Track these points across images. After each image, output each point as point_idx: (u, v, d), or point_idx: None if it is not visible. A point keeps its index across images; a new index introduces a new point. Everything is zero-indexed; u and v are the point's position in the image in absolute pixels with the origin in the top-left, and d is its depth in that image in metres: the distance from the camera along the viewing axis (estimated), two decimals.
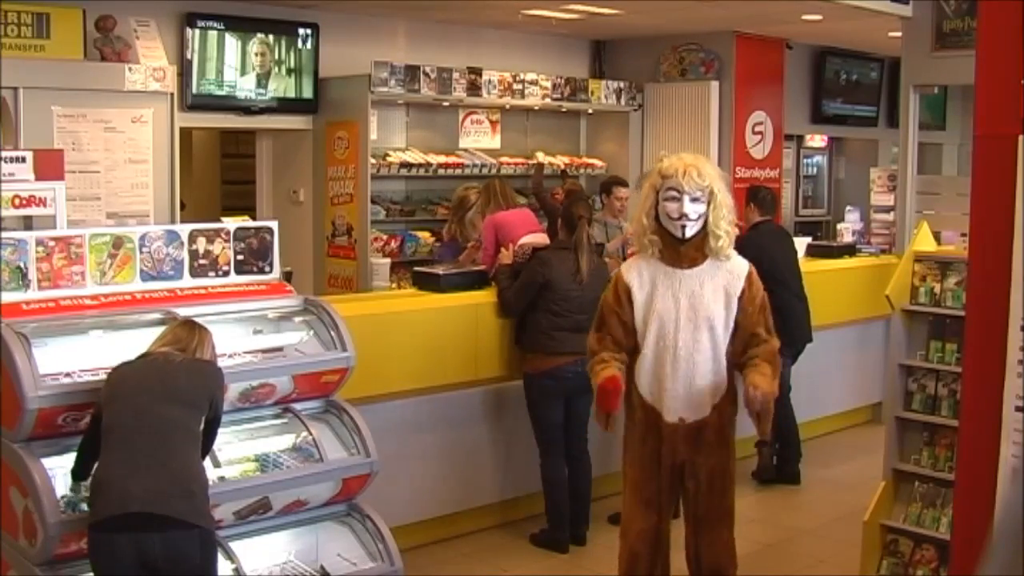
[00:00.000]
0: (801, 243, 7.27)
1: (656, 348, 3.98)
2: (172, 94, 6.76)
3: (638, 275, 4.05)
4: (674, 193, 3.95)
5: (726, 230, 3.99)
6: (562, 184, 8.44)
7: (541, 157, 8.83)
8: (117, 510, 3.39)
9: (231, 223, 4.57)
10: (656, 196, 4.00)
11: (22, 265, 4.03)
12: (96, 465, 3.53)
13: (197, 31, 7.31)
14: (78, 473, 3.69)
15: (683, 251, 4.00)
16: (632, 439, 4.13)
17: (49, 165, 5.10)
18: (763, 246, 6.27)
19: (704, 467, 4.01)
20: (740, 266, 4.07)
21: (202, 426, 3.63)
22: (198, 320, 3.90)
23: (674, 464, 4.03)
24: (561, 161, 9.16)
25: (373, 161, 7.80)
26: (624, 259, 6.21)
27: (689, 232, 3.96)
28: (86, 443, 3.66)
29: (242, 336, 4.43)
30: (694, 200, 3.94)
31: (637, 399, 4.06)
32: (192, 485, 3.50)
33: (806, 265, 6.83)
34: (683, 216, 3.94)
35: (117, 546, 3.38)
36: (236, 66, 7.54)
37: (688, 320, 3.95)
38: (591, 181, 9.30)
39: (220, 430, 3.87)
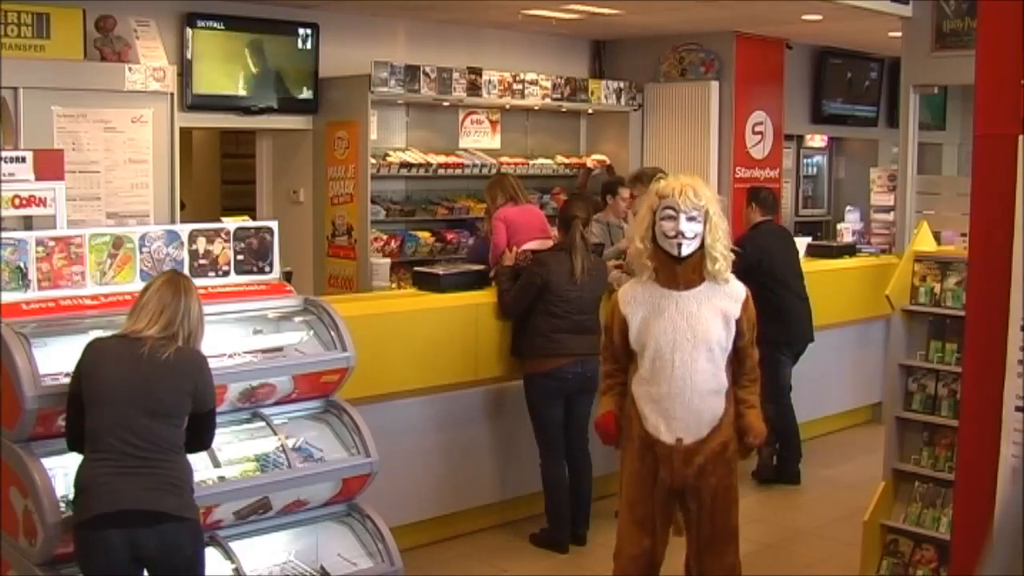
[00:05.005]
0: (801, 243, 7.27)
1: (652, 368, 3.97)
2: (172, 94, 6.75)
3: (633, 299, 4.06)
4: (671, 212, 3.95)
5: (722, 252, 3.99)
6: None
7: (590, 163, 8.98)
8: (109, 507, 3.39)
9: (231, 223, 4.57)
10: (653, 217, 4.00)
11: (22, 265, 4.02)
12: (81, 467, 3.51)
13: (197, 31, 7.31)
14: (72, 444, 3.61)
15: (680, 272, 3.99)
16: (630, 454, 4.08)
17: (49, 165, 5.10)
18: (764, 246, 6.28)
19: (705, 487, 3.97)
20: (738, 291, 4.07)
21: (185, 423, 3.57)
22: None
23: (672, 486, 3.99)
24: (604, 161, 9.33)
25: (373, 161, 7.79)
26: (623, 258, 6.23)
27: (685, 250, 3.95)
28: (71, 419, 3.59)
29: (242, 336, 4.43)
30: (690, 219, 3.94)
31: (635, 414, 4.03)
32: (179, 482, 3.52)
33: (806, 265, 6.83)
34: (679, 234, 3.94)
35: (110, 542, 3.38)
36: (236, 66, 7.54)
37: (686, 340, 3.94)
38: (592, 181, 9.29)
39: (220, 430, 3.85)
